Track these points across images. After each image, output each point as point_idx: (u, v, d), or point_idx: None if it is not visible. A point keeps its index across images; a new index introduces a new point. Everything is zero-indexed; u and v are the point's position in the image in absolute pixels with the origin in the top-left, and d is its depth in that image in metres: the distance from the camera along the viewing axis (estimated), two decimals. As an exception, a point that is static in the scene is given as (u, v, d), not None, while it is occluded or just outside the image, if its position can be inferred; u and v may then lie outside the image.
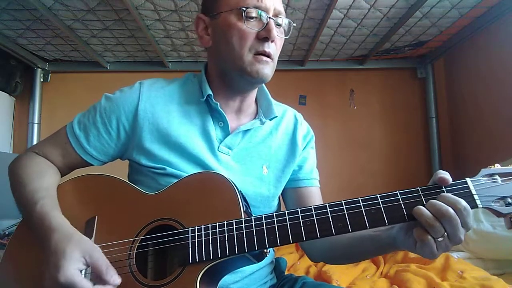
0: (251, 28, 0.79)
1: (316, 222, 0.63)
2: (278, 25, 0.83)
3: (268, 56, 0.80)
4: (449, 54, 2.30)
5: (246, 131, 0.88)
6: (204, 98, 0.85)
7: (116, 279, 0.64)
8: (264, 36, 0.79)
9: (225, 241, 0.65)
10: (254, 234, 0.64)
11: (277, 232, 0.64)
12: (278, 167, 0.90)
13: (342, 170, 2.47)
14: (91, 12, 1.76)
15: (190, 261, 0.65)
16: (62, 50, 2.27)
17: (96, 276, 0.63)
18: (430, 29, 2.02)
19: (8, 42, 2.11)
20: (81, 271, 0.63)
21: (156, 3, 1.67)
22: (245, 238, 0.64)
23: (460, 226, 0.57)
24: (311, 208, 0.64)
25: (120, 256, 0.69)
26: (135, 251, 0.69)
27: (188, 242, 0.66)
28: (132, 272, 0.68)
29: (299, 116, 0.99)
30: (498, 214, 0.59)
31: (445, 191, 0.60)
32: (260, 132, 0.90)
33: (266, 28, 0.79)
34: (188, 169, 0.80)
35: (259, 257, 0.68)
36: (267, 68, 0.81)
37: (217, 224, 0.66)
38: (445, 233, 0.58)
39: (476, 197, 0.59)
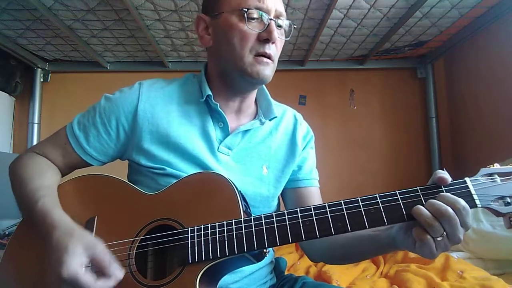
0: (252, 29, 0.79)
1: (315, 222, 0.63)
2: (279, 26, 0.83)
3: (269, 57, 0.80)
4: (449, 54, 2.30)
5: (246, 131, 0.88)
6: (204, 99, 0.85)
7: (118, 273, 0.64)
8: (265, 37, 0.79)
9: (225, 241, 0.65)
10: (254, 234, 0.64)
11: (276, 232, 0.64)
12: (277, 167, 0.90)
13: (342, 170, 2.47)
14: (91, 12, 1.76)
15: (190, 261, 0.65)
16: (62, 50, 2.27)
17: (99, 270, 0.63)
18: (430, 29, 2.02)
19: (8, 42, 2.11)
20: (84, 266, 0.62)
21: (156, 3, 1.67)
22: (244, 238, 0.64)
23: (459, 225, 0.57)
24: (311, 208, 0.64)
25: (119, 256, 0.69)
26: (134, 251, 0.69)
27: (188, 242, 0.66)
28: (132, 272, 0.68)
29: (299, 116, 0.99)
30: (497, 213, 0.59)
31: (444, 190, 0.60)
32: (260, 132, 0.90)
33: (267, 29, 0.79)
34: (187, 170, 0.80)
35: (259, 257, 0.68)
36: (268, 69, 0.81)
37: (217, 224, 0.66)
38: (444, 233, 0.58)
39: (475, 196, 0.59)
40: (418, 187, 0.62)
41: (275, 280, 0.94)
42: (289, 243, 0.64)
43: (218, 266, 0.66)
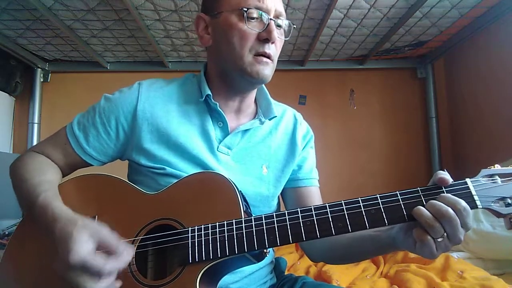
0: (251, 29, 0.79)
1: (316, 222, 0.63)
2: (279, 26, 0.83)
3: (268, 57, 0.80)
4: (449, 54, 2.30)
5: (246, 131, 0.88)
6: (203, 98, 0.85)
7: (128, 251, 0.63)
8: (264, 37, 0.79)
9: (225, 241, 0.65)
10: (254, 234, 0.64)
11: (277, 232, 0.64)
12: (277, 166, 0.90)
13: (342, 170, 2.47)
14: (91, 12, 1.76)
15: (190, 261, 0.65)
16: (62, 50, 2.27)
17: (107, 253, 0.62)
18: (430, 29, 2.02)
19: (8, 42, 2.11)
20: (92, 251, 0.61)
21: (156, 3, 1.67)
22: (245, 238, 0.64)
23: (459, 226, 0.57)
24: (311, 208, 0.64)
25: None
26: (135, 250, 0.69)
27: (188, 242, 0.66)
28: (132, 272, 0.68)
29: (299, 116, 0.99)
30: (498, 214, 0.59)
31: (445, 191, 0.60)
32: (260, 132, 0.90)
33: (267, 29, 0.79)
34: (187, 169, 0.80)
35: (259, 257, 0.68)
36: (267, 69, 0.81)
37: (217, 224, 0.66)
38: (445, 234, 0.58)
39: (476, 197, 0.59)
40: (418, 188, 0.62)
41: (275, 280, 0.94)
42: (290, 243, 0.64)
43: (219, 266, 0.66)
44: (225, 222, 0.66)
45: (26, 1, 1.62)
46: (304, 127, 0.98)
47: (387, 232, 0.70)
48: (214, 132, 0.85)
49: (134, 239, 0.70)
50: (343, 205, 0.63)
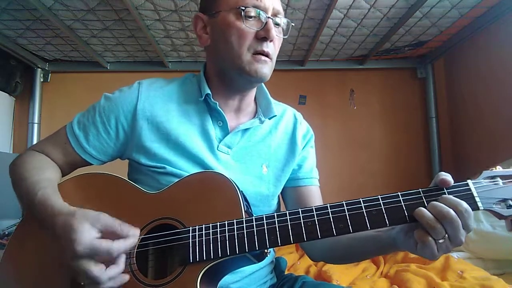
0: (250, 28, 0.79)
1: (317, 223, 0.63)
2: (277, 24, 0.83)
3: (267, 55, 0.80)
4: (449, 54, 2.30)
5: (246, 130, 0.88)
6: (203, 98, 0.85)
7: (134, 231, 0.63)
8: (263, 35, 0.79)
9: (226, 241, 0.65)
10: (255, 234, 0.64)
11: (278, 232, 0.64)
12: (277, 166, 0.90)
13: (342, 170, 2.47)
14: (91, 12, 1.75)
15: (191, 261, 0.65)
16: (62, 50, 2.27)
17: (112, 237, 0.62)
18: (430, 29, 2.02)
19: (8, 42, 2.10)
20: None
21: (156, 3, 1.67)
22: (245, 238, 0.64)
23: (461, 228, 0.57)
24: (312, 208, 0.64)
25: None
26: (135, 250, 0.69)
27: (189, 242, 0.66)
28: (133, 271, 0.68)
29: (299, 116, 0.99)
30: (499, 216, 0.59)
31: (446, 192, 0.60)
32: (260, 131, 0.90)
33: (265, 27, 0.79)
34: (188, 168, 0.80)
35: (260, 257, 0.68)
36: (266, 68, 0.81)
37: (218, 223, 0.66)
38: (446, 235, 0.58)
39: (477, 199, 0.59)
40: (420, 189, 0.62)
41: (275, 280, 0.94)
42: (291, 243, 0.64)
43: (219, 266, 0.66)
44: (226, 222, 0.66)
45: (26, 1, 1.62)
46: (304, 127, 0.98)
47: (387, 233, 0.70)
48: (214, 131, 0.85)
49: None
50: (345, 205, 0.63)
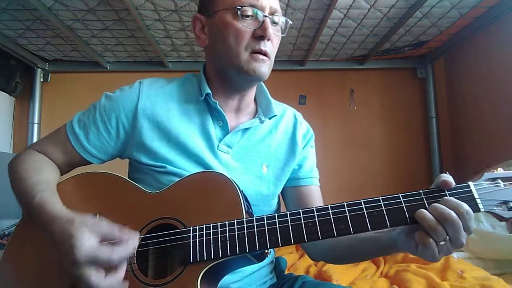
0: (247, 27, 0.79)
1: (318, 224, 0.63)
2: (275, 23, 0.83)
3: (265, 54, 0.80)
4: (449, 54, 2.30)
5: (246, 129, 0.88)
6: (203, 97, 0.85)
7: (134, 237, 0.63)
8: (260, 34, 0.79)
9: (226, 241, 0.65)
10: (256, 234, 0.64)
11: (278, 233, 0.64)
12: (277, 166, 0.90)
13: (342, 170, 2.47)
14: (91, 12, 1.75)
15: (191, 261, 0.65)
16: (62, 50, 2.27)
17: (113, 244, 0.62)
18: (430, 29, 2.02)
19: (8, 42, 2.10)
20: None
21: (156, 3, 1.67)
22: (246, 238, 0.64)
23: (462, 230, 0.57)
24: (313, 209, 0.64)
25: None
26: (135, 250, 0.69)
27: (189, 242, 0.66)
28: (133, 271, 0.68)
29: (299, 115, 1.00)
30: (500, 218, 0.59)
31: (447, 194, 0.60)
32: (260, 131, 0.90)
33: (261, 26, 0.79)
34: (188, 168, 0.80)
35: (260, 257, 0.68)
36: (264, 67, 0.81)
37: (219, 224, 0.66)
38: (447, 237, 0.58)
39: (478, 201, 0.59)
40: (421, 191, 0.62)
41: (275, 280, 0.94)
42: (291, 244, 0.64)
43: (220, 266, 0.66)
44: (226, 222, 0.66)
45: (26, 1, 1.62)
46: (304, 127, 0.98)
47: (388, 234, 0.70)
48: (214, 130, 0.85)
49: (135, 239, 0.70)
50: (345, 206, 0.63)
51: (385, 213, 0.61)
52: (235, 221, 0.66)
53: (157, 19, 1.83)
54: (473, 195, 0.60)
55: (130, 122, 0.84)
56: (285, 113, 0.97)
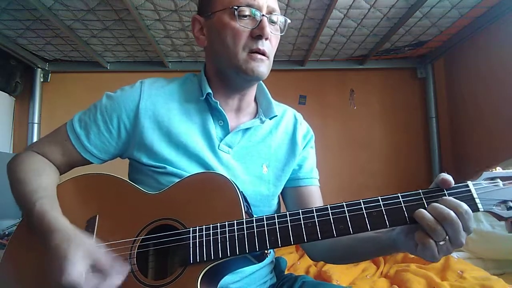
0: (244, 27, 0.79)
1: (317, 224, 0.63)
2: (273, 22, 0.83)
3: (263, 54, 0.80)
4: (449, 54, 2.30)
5: (246, 129, 0.88)
6: (204, 97, 0.85)
7: (121, 275, 0.63)
8: (257, 34, 0.79)
9: (226, 241, 0.65)
10: (255, 235, 0.64)
11: (278, 233, 0.64)
12: (278, 166, 0.90)
13: (342, 170, 2.47)
14: (91, 12, 1.75)
15: (191, 261, 0.65)
16: (62, 50, 2.27)
17: (100, 275, 0.63)
18: (430, 29, 2.02)
19: (8, 42, 2.10)
20: (85, 273, 0.62)
21: (156, 3, 1.67)
22: (246, 239, 0.64)
23: (461, 229, 0.57)
24: (313, 209, 0.64)
25: (120, 255, 0.69)
26: (136, 250, 0.69)
27: (189, 242, 0.66)
28: (133, 272, 0.68)
29: (299, 116, 1.00)
30: (499, 217, 0.59)
31: (446, 194, 0.60)
32: (260, 131, 0.90)
33: (259, 26, 0.79)
34: (188, 168, 0.81)
35: (260, 257, 0.68)
36: (262, 66, 0.81)
37: (218, 224, 0.66)
38: (447, 237, 0.58)
39: (477, 200, 0.59)
40: (420, 190, 0.62)
41: (275, 280, 0.94)
42: (291, 244, 0.64)
43: (219, 267, 0.66)
44: (226, 223, 0.66)
45: (26, 1, 1.62)
46: (304, 127, 0.98)
47: (387, 234, 0.70)
48: (215, 130, 0.85)
49: (136, 239, 0.70)
50: (345, 206, 0.63)
51: (384, 213, 0.61)
52: (235, 221, 0.66)
53: (157, 19, 1.83)
54: (472, 194, 0.60)
55: (132, 122, 0.84)
56: (285, 114, 0.97)
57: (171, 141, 0.82)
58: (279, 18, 0.84)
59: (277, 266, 0.99)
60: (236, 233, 0.65)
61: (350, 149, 2.51)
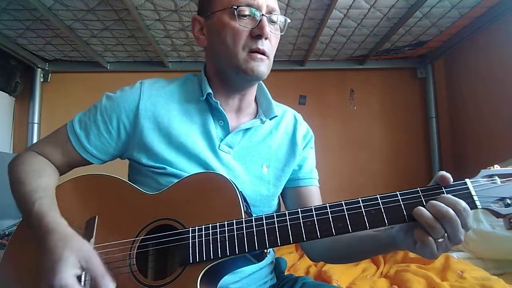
0: (244, 26, 0.79)
1: (316, 223, 0.63)
2: (273, 22, 0.83)
3: (263, 53, 0.80)
4: (449, 54, 2.31)
5: (247, 130, 0.88)
6: (204, 97, 0.85)
7: (111, 286, 0.63)
8: (257, 33, 0.79)
9: (226, 241, 0.65)
10: (255, 234, 0.64)
11: (277, 232, 0.64)
12: (278, 166, 0.90)
13: (342, 170, 2.47)
14: (91, 12, 1.76)
15: (191, 261, 0.65)
16: (62, 50, 2.27)
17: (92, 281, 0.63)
18: (430, 29, 2.02)
19: (8, 42, 2.11)
20: (76, 277, 0.62)
21: (156, 3, 1.67)
22: (245, 238, 0.64)
23: (460, 227, 0.57)
24: (312, 208, 0.64)
25: (120, 256, 0.69)
26: (135, 251, 0.69)
27: (189, 242, 0.66)
28: (133, 272, 0.68)
29: (299, 117, 1.00)
30: (497, 215, 0.59)
31: (444, 192, 0.61)
32: (260, 132, 0.90)
33: (259, 25, 0.79)
34: (189, 169, 0.80)
35: (260, 257, 0.68)
36: (262, 66, 0.81)
37: (218, 224, 0.66)
38: (446, 234, 0.58)
39: (475, 198, 0.59)
40: (418, 188, 0.62)
41: (275, 280, 0.94)
42: (291, 243, 0.64)
43: (219, 267, 0.66)
44: (225, 223, 0.66)
45: (26, 1, 1.62)
46: (304, 128, 0.98)
47: (386, 232, 0.70)
48: (215, 130, 0.85)
49: (135, 239, 0.70)
50: (344, 205, 0.63)
51: (383, 211, 0.61)
52: (234, 221, 0.66)
53: (157, 19, 1.83)
54: (470, 192, 0.60)
55: (131, 122, 0.84)
56: (285, 114, 0.97)
57: (171, 141, 0.82)
58: (279, 17, 0.84)
59: (277, 267, 0.99)
60: (235, 233, 0.65)
61: (350, 149, 2.51)
